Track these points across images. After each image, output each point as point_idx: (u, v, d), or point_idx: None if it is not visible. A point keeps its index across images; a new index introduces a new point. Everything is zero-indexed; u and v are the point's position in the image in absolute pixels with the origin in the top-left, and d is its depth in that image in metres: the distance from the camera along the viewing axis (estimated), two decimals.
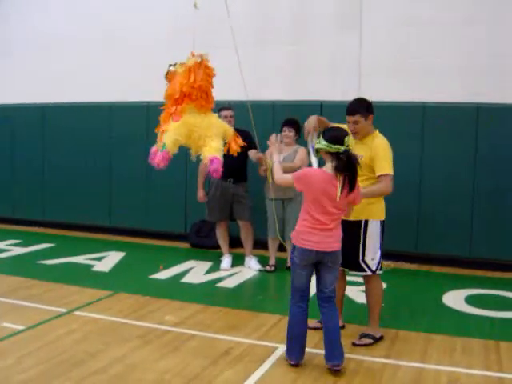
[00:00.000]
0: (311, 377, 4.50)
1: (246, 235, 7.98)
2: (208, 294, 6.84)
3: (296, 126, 7.57)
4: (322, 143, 4.53)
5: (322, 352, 4.80)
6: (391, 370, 4.64)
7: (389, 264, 8.19)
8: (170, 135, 5.53)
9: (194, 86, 5.57)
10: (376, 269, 5.20)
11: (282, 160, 7.28)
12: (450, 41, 8.25)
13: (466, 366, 4.72)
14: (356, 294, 6.67)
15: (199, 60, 5.56)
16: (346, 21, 8.78)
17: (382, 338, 5.32)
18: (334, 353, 4.60)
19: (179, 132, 5.58)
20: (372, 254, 5.14)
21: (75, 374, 4.44)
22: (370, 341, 5.21)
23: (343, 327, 5.45)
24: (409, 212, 8.23)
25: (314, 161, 5.15)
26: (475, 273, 7.90)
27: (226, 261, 7.95)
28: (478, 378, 4.54)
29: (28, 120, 10.69)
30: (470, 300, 6.61)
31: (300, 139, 7.39)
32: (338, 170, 4.45)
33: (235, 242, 8.39)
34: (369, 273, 5.18)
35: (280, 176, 4.85)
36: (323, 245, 4.55)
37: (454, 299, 6.64)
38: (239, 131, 7.49)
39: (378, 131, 5.25)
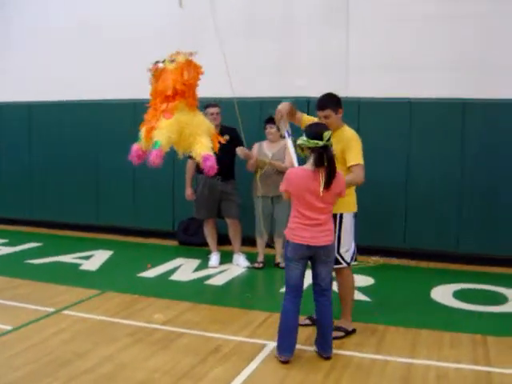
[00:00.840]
0: (301, 373, 4.50)
1: (235, 233, 7.97)
2: (197, 291, 6.82)
3: None
4: (302, 139, 4.61)
5: (312, 349, 4.86)
6: (380, 366, 4.65)
7: (377, 259, 8.23)
8: (163, 132, 5.47)
9: (186, 84, 5.54)
10: (350, 260, 5.28)
11: (271, 157, 7.31)
12: (437, 37, 8.26)
13: (455, 361, 4.75)
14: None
15: (190, 58, 5.54)
16: (333, 17, 8.77)
17: (354, 331, 5.35)
18: (324, 346, 4.76)
19: (172, 129, 5.54)
20: (347, 245, 5.20)
21: (64, 374, 4.43)
22: (342, 333, 5.23)
23: None
24: (397, 208, 8.26)
25: (291, 145, 5.28)
26: (463, 267, 7.93)
27: (214, 258, 7.95)
28: (467, 372, 4.56)
29: (14, 118, 10.62)
30: (458, 295, 6.64)
31: None
32: (315, 164, 4.53)
33: (223, 240, 8.38)
34: (344, 265, 5.21)
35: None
36: (316, 240, 4.61)
37: (442, 294, 6.67)
38: (226, 128, 7.51)
39: (346, 125, 5.34)
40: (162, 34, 9.04)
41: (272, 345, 4.95)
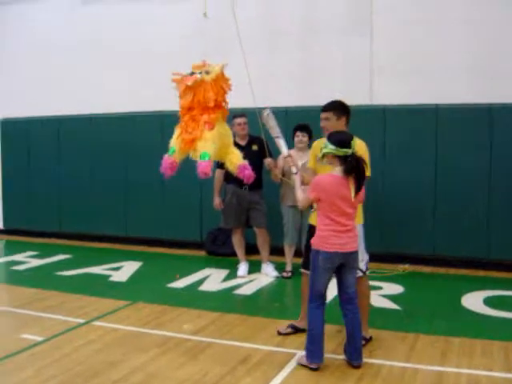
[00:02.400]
0: (331, 382, 4.48)
1: (263, 242, 7.98)
2: (225, 301, 6.84)
3: (308, 130, 7.59)
4: (329, 147, 4.61)
5: (341, 357, 4.84)
6: (410, 374, 4.61)
7: (405, 267, 8.17)
8: (209, 144, 5.33)
9: (223, 95, 5.50)
10: (366, 269, 5.33)
11: (300, 166, 7.30)
12: (460, 41, 8.21)
13: (486, 369, 4.68)
14: (374, 298, 6.63)
15: (224, 69, 5.49)
16: (356, 24, 8.76)
17: (371, 338, 5.33)
18: (354, 355, 4.77)
19: (215, 140, 5.44)
20: (361, 255, 5.17)
21: None
22: (363, 342, 5.16)
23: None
24: (425, 215, 8.21)
25: (284, 145, 5.30)
26: (493, 274, 7.84)
27: (243, 268, 7.96)
28: (499, 381, 4.51)
29: (44, 132, 10.78)
30: (488, 302, 6.55)
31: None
32: (348, 172, 4.57)
33: (251, 249, 8.39)
34: (360, 274, 5.20)
35: (300, 199, 4.86)
36: (349, 245, 4.67)
37: (473, 301, 6.59)
38: (253, 138, 7.54)
39: (355, 136, 5.27)
40: (186, 46, 9.09)
41: (301, 353, 4.93)
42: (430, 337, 5.46)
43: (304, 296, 5.42)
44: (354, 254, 4.73)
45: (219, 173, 7.76)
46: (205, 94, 5.24)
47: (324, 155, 4.70)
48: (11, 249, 10.00)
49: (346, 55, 8.83)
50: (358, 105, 8.49)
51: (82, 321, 6.00)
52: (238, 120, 7.63)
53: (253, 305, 6.77)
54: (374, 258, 8.42)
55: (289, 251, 7.91)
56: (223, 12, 6.75)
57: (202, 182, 8.86)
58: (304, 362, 4.78)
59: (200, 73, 5.22)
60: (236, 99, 5.47)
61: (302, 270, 5.49)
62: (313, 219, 5.20)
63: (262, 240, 7.98)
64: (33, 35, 11.04)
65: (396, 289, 7.13)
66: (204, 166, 5.14)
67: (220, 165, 6.28)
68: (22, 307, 6.52)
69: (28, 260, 9.02)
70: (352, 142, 4.60)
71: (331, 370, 4.69)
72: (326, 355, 4.82)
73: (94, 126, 10.30)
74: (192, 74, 5.25)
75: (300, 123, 7.74)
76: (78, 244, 10.34)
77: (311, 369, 4.68)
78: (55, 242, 10.61)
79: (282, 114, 8.57)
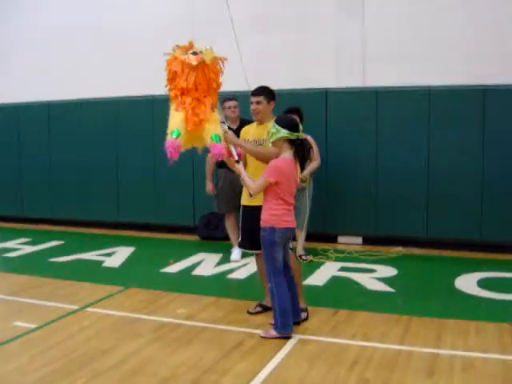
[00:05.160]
0: (326, 366, 4.47)
1: None
2: (219, 285, 6.84)
3: (300, 113, 7.54)
4: (283, 132, 4.90)
5: (338, 341, 4.92)
6: (406, 356, 4.61)
7: (399, 249, 8.17)
8: (216, 125, 5.19)
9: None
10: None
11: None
12: (454, 23, 8.18)
13: (481, 350, 4.70)
14: (367, 280, 6.67)
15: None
16: (349, 6, 8.70)
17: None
18: (297, 312, 5.25)
19: (218, 123, 5.33)
20: None
21: (89, 371, 4.44)
22: (306, 314, 5.47)
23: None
24: (417, 197, 8.20)
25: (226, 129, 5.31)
26: (487, 256, 7.85)
27: (236, 252, 7.94)
28: (494, 362, 4.51)
29: (34, 117, 10.69)
30: (482, 283, 6.56)
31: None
32: (299, 154, 4.98)
33: None
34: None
35: (253, 186, 5.05)
36: (294, 222, 5.18)
37: (467, 283, 6.60)
38: (245, 121, 7.47)
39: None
40: (174, 28, 9.00)
41: (297, 337, 4.98)
42: (423, 319, 5.47)
43: (263, 275, 5.53)
44: (293, 229, 5.26)
45: (209, 157, 7.69)
46: (209, 75, 5.15)
47: (278, 139, 4.94)
48: (3, 236, 9.94)
49: (338, 37, 8.78)
50: (351, 87, 8.50)
51: (75, 307, 5.97)
52: (229, 103, 7.56)
53: (246, 289, 6.76)
54: (367, 240, 8.53)
55: None
56: None
57: (195, 165, 8.95)
58: (275, 334, 5.00)
59: (201, 52, 5.11)
60: (226, 82, 5.40)
61: (255, 251, 5.59)
62: (246, 199, 5.59)
63: None
64: (21, 20, 10.95)
65: (389, 271, 7.12)
66: (219, 148, 5.08)
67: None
68: (15, 294, 6.50)
69: (20, 247, 8.98)
70: (300, 125, 5.00)
71: (326, 354, 4.70)
72: (321, 339, 4.87)
73: (83, 110, 10.21)
74: (194, 53, 5.10)
75: (291, 106, 7.68)
76: (70, 230, 10.30)
77: (287, 337, 4.95)
78: (47, 228, 10.57)
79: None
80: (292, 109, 7.59)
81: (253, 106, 5.53)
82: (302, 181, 6.79)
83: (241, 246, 5.80)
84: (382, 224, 8.39)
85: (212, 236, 9.15)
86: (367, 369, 4.39)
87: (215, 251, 8.35)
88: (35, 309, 6.00)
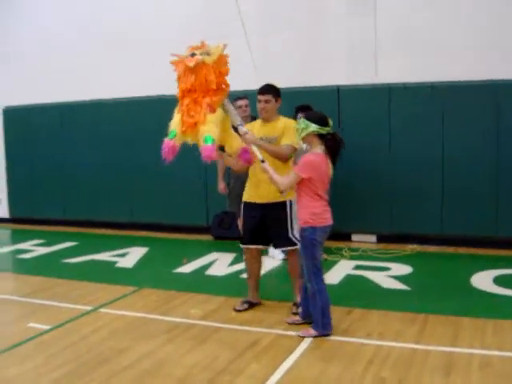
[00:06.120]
0: (341, 364, 4.44)
1: None
2: (233, 285, 6.79)
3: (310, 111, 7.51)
4: (312, 126, 4.85)
5: (351, 340, 4.88)
6: (421, 356, 4.57)
7: (414, 247, 8.11)
8: (212, 127, 5.15)
9: (224, 77, 5.34)
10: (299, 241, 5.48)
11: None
12: (467, 18, 8.10)
13: (498, 348, 4.64)
14: (382, 279, 6.62)
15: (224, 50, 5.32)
16: (361, 2, 8.64)
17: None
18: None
19: (218, 124, 5.29)
20: (296, 227, 5.42)
21: (103, 372, 4.44)
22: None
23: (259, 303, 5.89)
24: (432, 194, 8.13)
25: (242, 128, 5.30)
26: (503, 253, 7.77)
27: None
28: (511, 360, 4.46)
29: (46, 119, 10.71)
30: (498, 280, 6.49)
31: None
32: (332, 149, 4.94)
33: None
34: (298, 245, 5.30)
35: (284, 182, 4.99)
36: (331, 218, 5.09)
37: (483, 280, 6.54)
38: (256, 119, 7.44)
39: (281, 116, 5.66)
40: (186, 28, 8.96)
41: (304, 331, 5.02)
42: (439, 317, 5.41)
43: (254, 271, 5.88)
44: (332, 226, 5.11)
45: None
46: (207, 76, 5.10)
47: (308, 133, 4.90)
48: (17, 237, 9.98)
49: (349, 34, 8.72)
50: (363, 84, 8.44)
51: (89, 308, 5.98)
52: (240, 102, 7.51)
53: (260, 288, 6.71)
54: (382, 238, 8.47)
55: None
56: None
57: (207, 165, 8.89)
58: (314, 333, 4.95)
59: (201, 54, 5.08)
60: (237, 81, 5.38)
61: (257, 247, 5.78)
62: (247, 196, 5.74)
63: None
64: (34, 23, 10.98)
65: (404, 269, 7.07)
66: (209, 150, 5.01)
67: (221, 148, 6.12)
68: (29, 296, 6.51)
69: (34, 248, 9.01)
70: (329, 120, 4.94)
71: (341, 354, 4.66)
72: (336, 338, 4.85)
73: (97, 112, 10.23)
74: (193, 55, 5.09)
75: (302, 104, 7.64)
76: (83, 231, 10.31)
77: (327, 335, 4.95)
78: (61, 229, 10.58)
79: (284, 94, 8.51)
80: (303, 106, 7.55)
81: (261, 105, 5.55)
82: None
83: (265, 243, 5.81)
84: (397, 221, 8.34)
85: (225, 235, 9.11)
86: (383, 368, 4.35)
87: (228, 251, 8.30)
88: (49, 310, 6.00)
